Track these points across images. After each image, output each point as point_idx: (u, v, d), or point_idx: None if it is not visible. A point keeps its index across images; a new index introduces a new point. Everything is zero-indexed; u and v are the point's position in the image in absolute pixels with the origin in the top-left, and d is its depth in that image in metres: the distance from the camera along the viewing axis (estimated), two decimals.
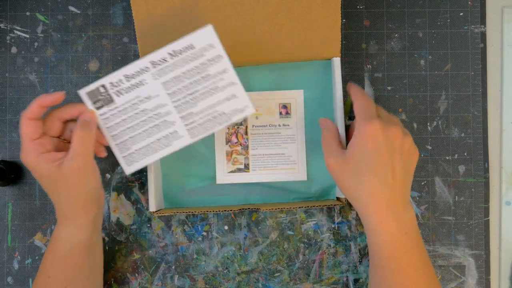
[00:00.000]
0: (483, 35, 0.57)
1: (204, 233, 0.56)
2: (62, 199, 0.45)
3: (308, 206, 0.51)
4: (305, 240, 0.56)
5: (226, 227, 0.56)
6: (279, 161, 0.54)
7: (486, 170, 0.56)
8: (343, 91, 0.54)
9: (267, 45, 0.51)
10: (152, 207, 0.50)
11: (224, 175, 0.54)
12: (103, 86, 0.47)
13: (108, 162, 0.56)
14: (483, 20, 0.57)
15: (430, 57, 0.57)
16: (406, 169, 0.45)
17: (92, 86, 0.47)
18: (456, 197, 0.56)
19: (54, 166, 0.43)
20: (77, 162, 0.43)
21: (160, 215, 0.53)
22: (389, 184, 0.44)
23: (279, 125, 0.54)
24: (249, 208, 0.52)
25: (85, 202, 0.46)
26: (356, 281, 0.55)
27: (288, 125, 0.54)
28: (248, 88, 0.53)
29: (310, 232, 0.56)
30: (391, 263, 0.45)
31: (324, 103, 0.54)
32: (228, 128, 0.53)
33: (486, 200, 0.56)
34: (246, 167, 0.54)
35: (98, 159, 0.56)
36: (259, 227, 0.56)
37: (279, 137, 0.54)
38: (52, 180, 0.44)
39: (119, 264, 0.56)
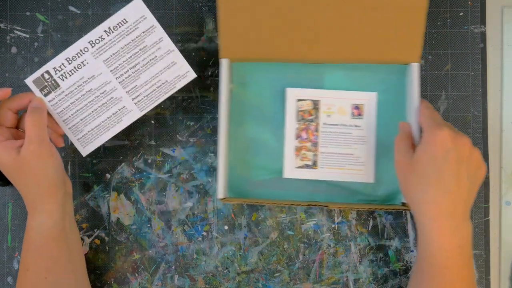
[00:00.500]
0: (483, 35, 0.57)
1: (204, 233, 0.56)
2: (26, 186, 0.47)
3: (376, 209, 0.51)
4: (305, 240, 0.56)
5: (226, 227, 0.56)
6: (348, 161, 0.53)
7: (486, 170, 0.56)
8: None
9: (347, 43, 0.50)
10: (220, 194, 0.50)
11: (292, 170, 0.53)
12: (47, 72, 0.48)
13: (108, 162, 0.56)
14: (483, 20, 0.57)
15: (430, 57, 0.57)
16: (471, 181, 0.45)
17: (36, 74, 0.48)
18: None
19: (14, 153, 0.45)
20: (33, 146, 0.45)
21: (227, 202, 0.54)
22: (453, 192, 0.44)
23: (351, 126, 0.54)
24: (316, 205, 0.51)
25: (49, 185, 0.47)
26: (356, 281, 0.55)
27: (360, 126, 0.53)
28: (321, 85, 0.54)
29: (310, 232, 0.56)
30: (441, 273, 0.45)
31: (397, 108, 0.53)
32: (299, 124, 0.53)
33: (486, 200, 0.56)
34: (314, 164, 0.53)
35: (97, 159, 0.56)
36: (259, 227, 0.56)
37: (350, 137, 0.53)
38: (15, 167, 0.46)
39: (119, 264, 0.56)
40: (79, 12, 0.57)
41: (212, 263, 0.56)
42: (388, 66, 0.53)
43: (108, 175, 0.56)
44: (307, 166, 0.53)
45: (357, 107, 0.53)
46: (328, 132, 0.53)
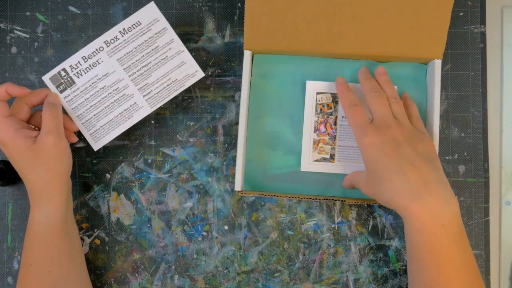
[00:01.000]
0: (483, 35, 0.57)
1: (204, 233, 0.56)
2: (37, 176, 0.47)
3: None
4: (305, 240, 0.56)
5: (226, 227, 0.56)
6: None
7: (486, 170, 0.56)
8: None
9: (370, 38, 0.51)
10: (238, 187, 0.50)
11: (309, 163, 0.53)
12: (63, 69, 0.50)
13: (108, 162, 0.56)
14: (483, 20, 0.57)
15: None
16: (424, 155, 0.45)
17: (53, 71, 0.50)
18: (456, 197, 0.56)
19: (30, 141, 0.46)
20: (52, 137, 0.46)
21: (244, 195, 0.54)
22: (408, 173, 0.43)
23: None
24: (333, 199, 0.51)
25: (61, 179, 0.48)
26: (356, 281, 0.55)
27: None
28: None
29: (310, 232, 0.56)
30: (426, 257, 0.43)
31: (417, 105, 0.53)
32: (318, 117, 0.53)
33: (486, 200, 0.56)
34: (332, 157, 0.53)
35: (97, 159, 0.56)
36: (259, 227, 0.56)
37: None
38: (28, 156, 0.47)
39: (119, 264, 0.56)
40: (79, 12, 0.57)
41: (212, 263, 0.56)
42: (409, 63, 0.53)
43: (108, 175, 0.56)
44: (324, 159, 0.53)
45: None
46: (347, 126, 0.53)
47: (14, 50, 0.57)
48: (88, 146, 0.56)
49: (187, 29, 0.57)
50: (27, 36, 0.57)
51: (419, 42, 0.51)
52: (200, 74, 0.51)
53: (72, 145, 0.56)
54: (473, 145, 0.56)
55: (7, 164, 0.54)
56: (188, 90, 0.56)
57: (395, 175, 0.44)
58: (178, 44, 0.51)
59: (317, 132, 0.53)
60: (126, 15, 0.56)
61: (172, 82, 0.51)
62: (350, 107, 0.48)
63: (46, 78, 0.50)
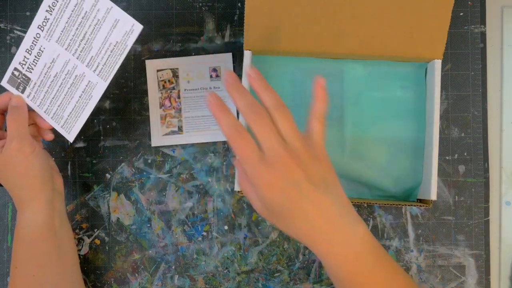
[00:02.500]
0: (483, 35, 0.57)
1: (204, 233, 0.56)
2: (11, 183, 0.47)
3: (391, 204, 0.50)
4: None
5: (226, 227, 0.56)
6: (212, 122, 0.56)
7: (486, 170, 0.56)
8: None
9: (370, 38, 0.51)
10: (238, 187, 0.49)
11: (159, 137, 0.56)
12: (15, 69, 0.49)
13: (108, 162, 0.56)
14: (483, 20, 0.57)
15: None
16: (322, 181, 0.39)
17: (8, 73, 0.49)
18: (456, 197, 0.56)
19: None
20: (14, 143, 0.46)
21: (244, 195, 0.52)
22: (310, 213, 0.39)
23: (210, 88, 0.54)
24: None
25: (33, 182, 0.47)
26: None
27: (219, 88, 0.56)
28: (341, 81, 0.54)
29: None
30: (354, 286, 0.40)
31: (416, 105, 0.53)
32: (161, 93, 0.56)
33: (486, 200, 0.56)
34: (180, 129, 0.56)
35: (97, 159, 0.56)
36: (259, 227, 0.56)
37: None
38: (0, 165, 0.47)
39: (119, 264, 0.56)
40: None
41: (212, 263, 0.56)
42: (409, 63, 0.53)
43: (108, 175, 0.56)
44: (173, 132, 0.56)
45: (214, 69, 0.56)
46: (189, 98, 0.56)
47: (14, 50, 0.57)
48: (88, 146, 0.56)
49: (187, 29, 0.57)
50: None
51: (419, 42, 0.51)
52: (138, 27, 0.46)
53: (72, 145, 0.56)
54: (473, 145, 0.56)
55: None
56: None
57: (297, 217, 0.39)
58: (104, 1, 0.46)
59: (163, 107, 0.56)
60: None
61: (114, 46, 0.47)
62: (232, 137, 0.39)
63: (4, 83, 0.49)
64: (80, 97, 0.49)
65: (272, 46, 0.52)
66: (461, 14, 0.57)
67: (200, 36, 0.57)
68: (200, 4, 0.57)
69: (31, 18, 0.57)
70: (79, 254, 0.55)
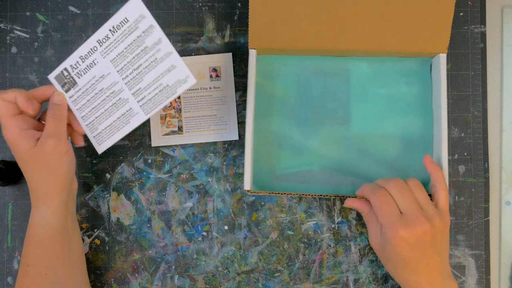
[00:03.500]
0: (483, 35, 0.57)
1: (204, 233, 0.56)
2: (36, 178, 0.47)
3: None
4: (305, 240, 0.56)
5: (226, 227, 0.56)
6: (212, 122, 0.56)
7: (486, 170, 0.56)
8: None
9: (374, 35, 0.51)
10: (247, 186, 0.50)
11: (159, 137, 0.56)
12: (65, 69, 0.49)
13: (108, 162, 0.56)
14: (483, 20, 0.57)
15: None
16: (439, 250, 0.47)
17: (57, 70, 0.49)
18: (456, 197, 0.56)
19: (33, 143, 0.46)
20: (52, 140, 0.46)
21: (252, 194, 0.54)
22: (422, 272, 0.46)
23: (210, 88, 0.56)
24: (343, 196, 0.52)
25: (60, 183, 0.47)
26: (356, 281, 0.55)
27: (218, 88, 0.56)
28: (346, 78, 0.54)
29: (310, 232, 0.56)
30: None
31: (422, 100, 0.54)
32: None
33: (486, 200, 0.56)
34: (180, 129, 0.56)
35: (97, 159, 0.56)
36: (259, 227, 0.56)
37: (210, 99, 0.56)
38: (29, 158, 0.46)
39: (119, 264, 0.56)
40: (79, 12, 0.57)
41: (212, 263, 0.56)
42: (413, 58, 0.53)
43: (108, 175, 0.56)
44: (173, 132, 0.56)
45: (214, 69, 0.56)
46: (190, 98, 0.56)
47: (14, 50, 0.57)
48: (88, 146, 0.56)
49: (187, 29, 0.57)
50: (27, 36, 0.57)
51: (423, 37, 0.51)
52: (192, 80, 0.46)
53: (72, 145, 0.56)
54: (473, 145, 0.56)
55: (7, 164, 0.54)
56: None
57: (409, 269, 0.47)
58: (166, 44, 0.46)
59: (163, 107, 0.55)
60: None
61: (164, 88, 0.47)
62: (375, 194, 0.48)
63: (51, 77, 0.50)
64: (118, 118, 0.49)
65: (276, 44, 0.52)
66: (461, 14, 0.57)
67: (200, 36, 0.57)
68: (200, 4, 0.57)
69: (31, 18, 0.57)
70: None
